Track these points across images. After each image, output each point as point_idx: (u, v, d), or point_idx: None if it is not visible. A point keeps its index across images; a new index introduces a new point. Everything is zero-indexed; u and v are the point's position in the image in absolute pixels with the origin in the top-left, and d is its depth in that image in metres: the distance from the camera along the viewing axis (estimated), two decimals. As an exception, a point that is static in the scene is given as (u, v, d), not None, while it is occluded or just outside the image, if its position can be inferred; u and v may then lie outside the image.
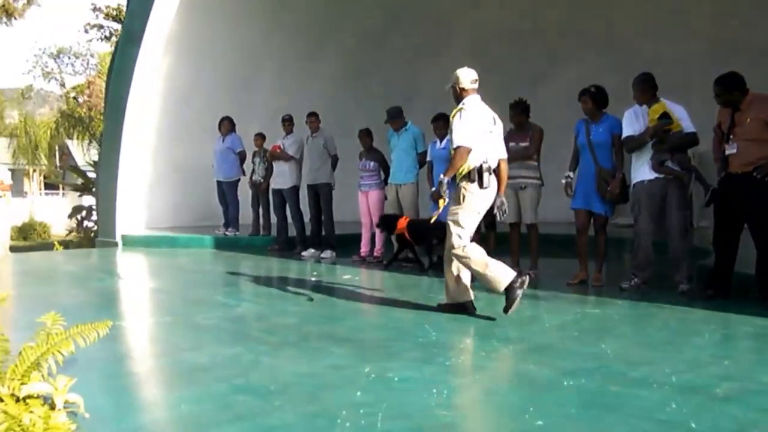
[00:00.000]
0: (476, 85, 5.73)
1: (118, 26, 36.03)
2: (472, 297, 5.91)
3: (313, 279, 8.31)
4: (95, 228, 18.83)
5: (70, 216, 20.47)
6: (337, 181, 10.44)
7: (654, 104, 6.84)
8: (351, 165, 10.46)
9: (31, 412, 3.01)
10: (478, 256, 5.54)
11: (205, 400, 3.69)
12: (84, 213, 20.26)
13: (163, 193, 13.23)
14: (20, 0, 29.23)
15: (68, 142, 29.76)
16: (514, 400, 3.68)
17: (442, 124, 8.57)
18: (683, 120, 6.77)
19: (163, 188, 13.21)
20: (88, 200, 21.05)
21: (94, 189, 19.01)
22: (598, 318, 5.94)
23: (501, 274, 5.47)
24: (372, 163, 9.60)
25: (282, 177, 10.64)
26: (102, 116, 23.96)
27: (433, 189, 5.91)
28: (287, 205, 10.78)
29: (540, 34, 13.61)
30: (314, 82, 13.75)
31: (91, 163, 21.26)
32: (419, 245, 8.90)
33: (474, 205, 5.60)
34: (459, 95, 5.74)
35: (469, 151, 5.47)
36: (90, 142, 22.88)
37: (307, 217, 10.75)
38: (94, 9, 35.32)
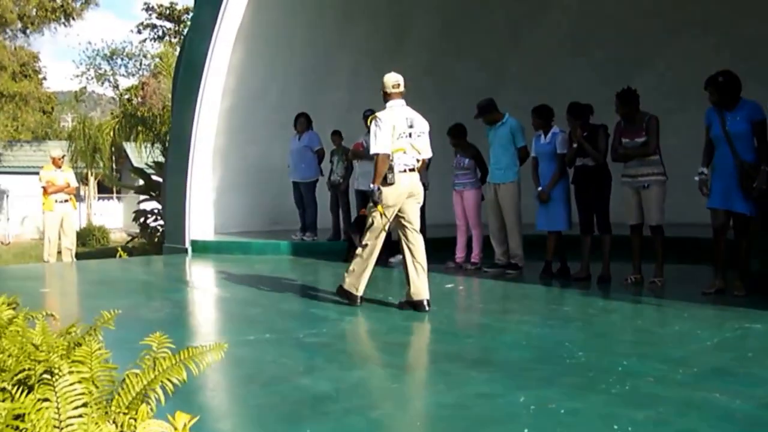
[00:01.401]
0: (399, 89, 6.21)
1: (171, 25, 35.97)
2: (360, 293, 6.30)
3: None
4: (159, 233, 18.38)
5: (134, 220, 20.04)
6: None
7: None
8: (437, 162, 9.75)
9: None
10: (367, 255, 6.21)
11: (344, 439, 3.05)
12: (144, 218, 19.80)
13: (234, 196, 12.66)
14: (79, 0, 29.19)
15: (124, 144, 29.55)
16: (720, 441, 2.99)
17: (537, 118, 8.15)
18: None
19: (234, 191, 12.64)
20: (149, 204, 20.55)
21: (157, 192, 18.55)
22: (762, 335, 5.18)
23: (359, 284, 6.27)
24: (467, 161, 8.87)
25: (366, 177, 9.89)
26: (160, 116, 23.71)
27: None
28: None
29: (634, 17, 12.74)
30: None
31: (152, 164, 20.80)
32: None
33: (383, 199, 6.03)
34: (384, 98, 6.24)
35: (387, 156, 5.95)
36: (153, 143, 22.50)
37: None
38: (147, 8, 35.24)
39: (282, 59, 12.48)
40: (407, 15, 12.96)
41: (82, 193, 31.36)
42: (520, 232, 8.38)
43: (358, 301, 6.29)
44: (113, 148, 28.37)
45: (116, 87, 38.36)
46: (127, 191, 31.46)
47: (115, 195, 35.60)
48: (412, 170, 6.12)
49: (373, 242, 6.20)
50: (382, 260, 9.56)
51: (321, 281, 8.24)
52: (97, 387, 2.83)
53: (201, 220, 11.83)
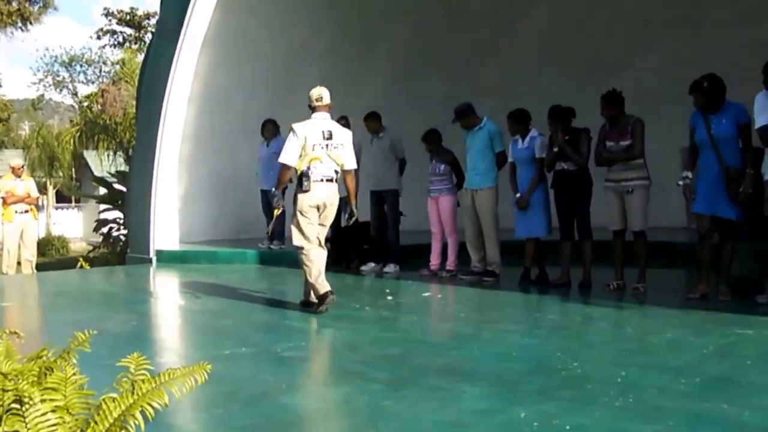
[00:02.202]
0: (323, 102, 6.51)
1: (131, 31, 35.36)
2: (328, 287, 6.32)
3: (389, 298, 7.42)
4: (122, 243, 17.94)
5: (96, 229, 19.56)
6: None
7: None
8: (411, 168, 9.61)
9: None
10: (315, 263, 6.36)
11: (340, 464, 2.83)
12: (108, 227, 19.32)
13: (200, 205, 12.30)
14: (36, 4, 28.45)
15: (84, 152, 28.93)
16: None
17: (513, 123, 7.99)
18: None
19: (200, 199, 12.28)
20: (111, 213, 20.07)
21: (120, 201, 18.12)
22: (758, 341, 5.03)
23: (320, 290, 6.30)
24: (443, 166, 8.69)
25: (338, 184, 9.66)
26: (121, 124, 23.30)
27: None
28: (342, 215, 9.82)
29: (610, 22, 12.66)
30: (365, 82, 12.79)
31: (114, 173, 20.36)
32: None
33: (299, 206, 6.33)
34: (312, 111, 6.54)
35: (288, 167, 6.34)
36: (115, 151, 21.98)
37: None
38: (107, 14, 34.65)
39: (249, 65, 12.16)
40: (378, 21, 12.69)
41: (41, 202, 30.73)
42: (497, 238, 8.22)
43: (330, 293, 6.31)
44: (73, 157, 27.81)
45: (75, 94, 37.37)
46: (86, 200, 30.85)
47: (74, 204, 34.90)
48: (329, 181, 6.40)
49: (306, 244, 6.41)
50: (354, 268, 9.44)
51: (291, 291, 7.97)
52: (71, 415, 2.56)
53: (166, 229, 11.46)
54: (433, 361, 4.62)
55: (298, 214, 6.35)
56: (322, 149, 6.31)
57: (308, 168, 6.26)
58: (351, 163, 6.59)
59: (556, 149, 7.45)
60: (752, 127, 6.22)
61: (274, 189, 6.59)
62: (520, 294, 7.50)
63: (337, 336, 5.70)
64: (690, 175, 6.55)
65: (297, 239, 6.43)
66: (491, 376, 4.18)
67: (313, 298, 6.45)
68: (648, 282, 7.15)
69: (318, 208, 6.36)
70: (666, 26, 12.37)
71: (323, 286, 6.31)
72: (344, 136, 6.55)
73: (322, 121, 6.46)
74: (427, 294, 7.71)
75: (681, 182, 6.59)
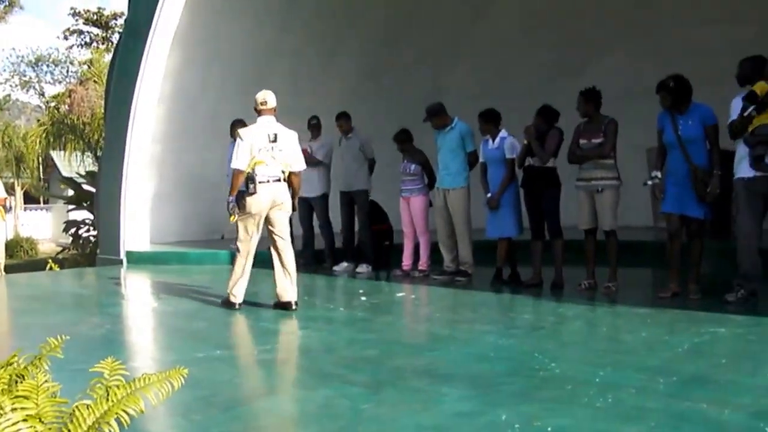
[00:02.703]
0: (267, 106, 6.60)
1: (98, 31, 34.92)
2: (240, 301, 6.72)
3: (363, 298, 7.37)
4: (91, 244, 17.72)
5: (65, 230, 19.28)
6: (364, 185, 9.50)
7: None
8: (382, 169, 9.65)
9: None
10: (242, 261, 6.67)
11: (321, 470, 2.79)
12: (77, 228, 19.05)
13: (170, 205, 12.19)
14: (2, 3, 28.08)
15: (52, 152, 28.57)
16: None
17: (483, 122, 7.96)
18: None
19: (170, 199, 12.17)
20: (80, 214, 19.81)
21: (89, 202, 17.90)
22: (730, 339, 5.10)
23: (235, 291, 6.71)
24: (413, 166, 8.66)
25: (309, 184, 9.52)
26: (89, 125, 23.04)
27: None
28: (314, 215, 9.76)
29: (571, 23, 12.75)
30: (333, 82, 12.80)
31: (83, 174, 20.11)
32: None
33: (247, 208, 6.44)
34: (257, 114, 6.66)
35: (241, 172, 6.38)
36: (83, 151, 21.70)
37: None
38: (74, 14, 34.19)
39: (219, 65, 12.09)
40: (346, 20, 12.69)
41: (9, 203, 30.28)
42: (470, 238, 8.21)
43: (237, 306, 6.64)
44: (40, 157, 27.46)
45: (42, 95, 36.81)
46: (55, 201, 30.49)
47: (42, 205, 34.44)
48: (277, 181, 6.48)
49: (245, 249, 6.64)
50: (327, 268, 9.39)
51: (263, 292, 7.91)
52: (44, 423, 2.49)
53: (136, 229, 11.37)
54: (411, 362, 4.59)
55: (246, 216, 6.48)
56: (267, 152, 6.43)
57: (253, 171, 6.37)
58: (297, 165, 6.70)
59: (525, 141, 7.45)
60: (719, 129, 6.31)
61: (228, 196, 6.60)
62: (493, 294, 7.50)
63: (313, 338, 5.66)
64: (659, 174, 6.60)
65: (242, 243, 6.63)
66: (470, 378, 4.16)
67: (284, 298, 6.61)
68: (619, 281, 7.17)
69: (270, 207, 6.48)
70: (629, 26, 12.49)
71: (235, 296, 6.66)
72: (290, 138, 6.64)
73: (268, 124, 6.55)
74: (401, 294, 7.69)
75: (650, 182, 6.63)
